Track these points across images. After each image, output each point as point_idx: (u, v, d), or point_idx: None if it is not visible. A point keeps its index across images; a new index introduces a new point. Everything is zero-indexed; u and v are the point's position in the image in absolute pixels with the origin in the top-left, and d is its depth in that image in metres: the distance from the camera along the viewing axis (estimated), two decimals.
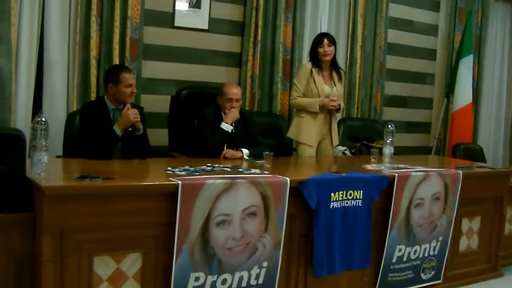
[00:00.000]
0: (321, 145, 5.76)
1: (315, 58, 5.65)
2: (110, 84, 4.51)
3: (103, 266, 3.27)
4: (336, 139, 5.84)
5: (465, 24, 8.16)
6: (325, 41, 5.61)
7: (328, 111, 5.67)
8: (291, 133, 5.80)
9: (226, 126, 4.95)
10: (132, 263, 3.36)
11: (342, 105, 5.81)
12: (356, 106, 7.31)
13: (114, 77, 4.51)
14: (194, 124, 5.22)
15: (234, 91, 5.04)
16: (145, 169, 4.31)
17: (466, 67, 8.03)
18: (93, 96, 5.36)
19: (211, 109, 5.08)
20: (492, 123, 9.24)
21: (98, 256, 3.24)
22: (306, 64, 5.72)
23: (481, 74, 8.71)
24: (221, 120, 5.00)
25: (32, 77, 5.19)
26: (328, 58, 5.65)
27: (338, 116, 6.01)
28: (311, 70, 5.58)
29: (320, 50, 5.59)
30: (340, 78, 5.80)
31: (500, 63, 9.27)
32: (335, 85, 5.70)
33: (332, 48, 5.64)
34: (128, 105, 4.47)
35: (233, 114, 5.00)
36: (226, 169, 4.08)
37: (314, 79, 5.57)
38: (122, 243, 3.33)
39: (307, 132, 5.63)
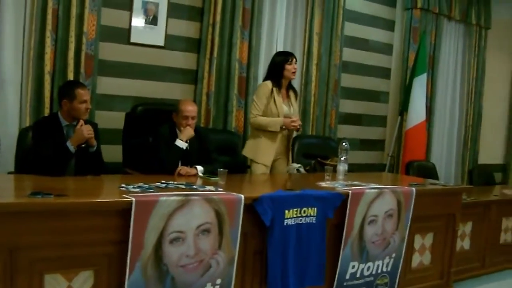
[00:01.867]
0: (275, 164, 5.76)
1: (277, 76, 5.63)
2: (64, 100, 4.48)
3: (54, 284, 3.21)
4: (290, 158, 5.87)
5: (419, 43, 8.31)
6: (294, 59, 5.65)
7: (287, 130, 5.69)
8: (247, 152, 5.77)
9: (181, 143, 4.95)
10: (84, 281, 3.31)
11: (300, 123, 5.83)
12: (311, 123, 7.36)
13: (68, 93, 4.47)
14: (148, 141, 5.20)
15: (190, 109, 5.04)
16: (99, 185, 4.27)
17: (419, 85, 8.17)
18: (46, 112, 5.32)
19: (167, 126, 5.07)
20: (445, 140, 9.40)
21: (49, 274, 3.19)
22: (267, 82, 5.65)
23: (434, 92, 8.88)
24: (176, 137, 5.00)
25: None
26: (294, 76, 5.70)
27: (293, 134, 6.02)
28: (272, 89, 5.59)
29: (289, 67, 5.59)
30: (296, 97, 5.83)
31: (453, 82, 9.46)
32: (292, 104, 5.73)
33: None
34: (82, 122, 4.44)
35: (188, 131, 5.00)
36: (180, 186, 4.06)
37: (274, 98, 5.56)
38: (74, 261, 3.28)
39: (265, 152, 5.62)
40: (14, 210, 3.09)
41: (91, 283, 3.34)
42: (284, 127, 5.58)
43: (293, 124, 5.57)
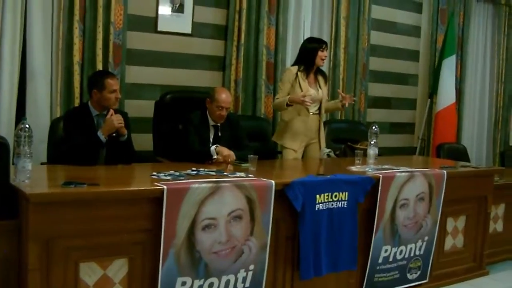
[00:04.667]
0: (308, 149, 5.77)
1: (308, 62, 5.63)
2: (94, 90, 4.49)
3: (90, 273, 3.26)
4: (323, 142, 5.85)
5: (447, 25, 8.22)
6: (326, 47, 5.67)
7: (318, 114, 5.70)
8: (276, 137, 5.81)
9: (214, 153, 4.89)
10: (118, 268, 3.35)
11: (324, 104, 5.81)
12: None
13: (98, 83, 4.49)
14: (178, 129, 5.22)
15: (226, 100, 5.00)
16: (130, 174, 4.31)
17: (449, 67, 8.10)
18: (76, 102, 5.36)
19: (198, 113, 5.08)
20: (476, 122, 9.30)
21: (84, 262, 3.23)
22: (291, 68, 5.69)
23: (464, 74, 8.79)
24: (207, 123, 5.04)
25: (15, 84, 5.17)
26: (323, 63, 5.73)
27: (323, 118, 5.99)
28: (297, 74, 5.57)
29: (321, 54, 5.60)
30: (325, 81, 5.81)
31: (483, 63, 9.32)
32: (320, 88, 5.71)
33: None
34: (112, 111, 4.46)
35: None
36: (211, 173, 4.08)
37: (299, 82, 5.55)
38: (108, 249, 3.32)
39: (291, 137, 5.62)
40: (48, 200, 3.13)
41: (125, 270, 3.38)
42: (291, 102, 5.46)
43: (303, 99, 5.39)
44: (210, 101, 5.03)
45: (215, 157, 4.78)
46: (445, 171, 4.91)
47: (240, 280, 3.76)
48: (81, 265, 3.22)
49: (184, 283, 3.52)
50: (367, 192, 4.37)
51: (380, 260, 4.59)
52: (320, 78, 5.76)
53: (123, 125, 4.47)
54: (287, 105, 5.47)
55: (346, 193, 4.24)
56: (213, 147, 4.84)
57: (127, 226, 3.35)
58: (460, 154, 7.24)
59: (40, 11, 5.30)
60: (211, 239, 3.58)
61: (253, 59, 6.50)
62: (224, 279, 3.69)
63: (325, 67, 6.12)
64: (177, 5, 6.08)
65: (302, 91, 5.51)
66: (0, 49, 5.05)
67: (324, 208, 4.12)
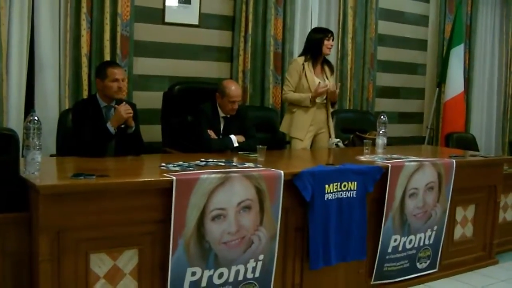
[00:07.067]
0: (317, 138, 5.77)
1: (315, 52, 5.63)
2: (97, 79, 4.49)
3: (100, 264, 3.27)
4: (332, 132, 5.85)
5: (455, 14, 8.18)
6: (332, 35, 5.66)
7: (324, 103, 5.70)
8: (283, 127, 5.81)
9: (235, 140, 4.98)
10: (128, 259, 3.36)
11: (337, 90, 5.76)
12: (348, 98, 7.31)
13: (101, 72, 4.49)
14: (187, 120, 5.22)
15: (237, 93, 5.07)
16: (139, 165, 4.31)
17: (457, 56, 8.06)
18: (85, 94, 5.36)
19: (209, 104, 5.10)
20: (484, 111, 9.27)
21: (94, 253, 3.24)
22: (298, 58, 5.71)
23: (472, 63, 8.75)
24: (218, 115, 5.08)
25: (24, 77, 5.18)
26: (330, 52, 5.71)
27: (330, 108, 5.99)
28: (303, 65, 5.57)
29: (327, 43, 5.59)
30: (332, 72, 5.80)
31: (491, 52, 9.28)
32: (327, 78, 5.71)
33: None
34: (123, 103, 4.46)
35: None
36: (220, 163, 4.08)
37: (305, 73, 5.55)
38: (118, 240, 3.33)
39: (299, 127, 5.62)
40: (58, 191, 3.14)
41: (135, 261, 3.39)
42: (314, 98, 5.53)
43: (320, 90, 5.49)
44: (221, 96, 5.03)
45: (236, 144, 4.92)
46: (454, 161, 4.90)
47: (249, 270, 3.77)
48: (92, 256, 3.23)
49: (194, 273, 3.53)
50: (376, 181, 4.37)
51: (389, 250, 4.59)
52: (327, 69, 5.75)
53: (131, 115, 4.45)
54: (311, 101, 5.53)
55: (355, 182, 4.23)
56: (232, 136, 4.97)
57: (137, 217, 3.36)
58: (469, 143, 7.21)
59: (47, 3, 5.30)
60: (221, 230, 3.59)
61: (260, 50, 6.49)
62: (233, 269, 3.70)
63: (333, 58, 6.12)
64: None
65: (308, 82, 5.52)
66: (8, 42, 5.05)
67: (333, 198, 4.12)
